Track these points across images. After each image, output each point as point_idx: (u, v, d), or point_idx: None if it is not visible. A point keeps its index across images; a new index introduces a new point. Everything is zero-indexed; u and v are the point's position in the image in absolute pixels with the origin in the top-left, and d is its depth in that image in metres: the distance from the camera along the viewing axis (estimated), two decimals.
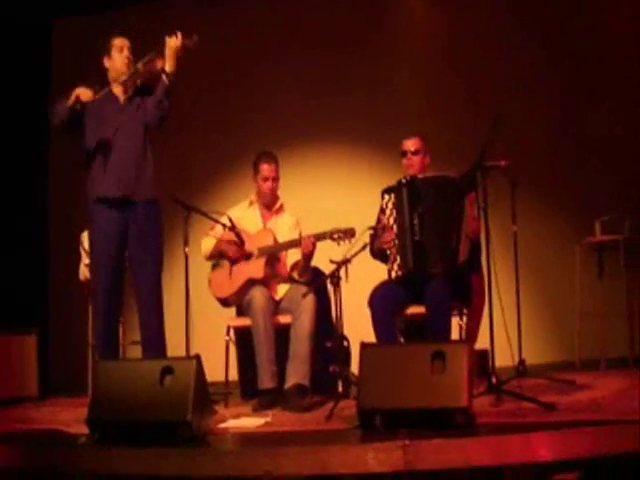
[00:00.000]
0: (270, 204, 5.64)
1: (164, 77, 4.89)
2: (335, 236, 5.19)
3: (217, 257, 5.56)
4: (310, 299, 5.14)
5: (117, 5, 8.02)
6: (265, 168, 5.56)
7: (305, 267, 5.46)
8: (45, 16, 8.31)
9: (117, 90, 5.01)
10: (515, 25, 7.49)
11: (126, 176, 4.88)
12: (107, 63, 5.02)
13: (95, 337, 4.97)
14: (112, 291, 4.90)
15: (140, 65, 4.95)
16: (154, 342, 4.87)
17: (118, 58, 4.99)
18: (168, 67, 4.88)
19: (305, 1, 8.06)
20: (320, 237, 5.27)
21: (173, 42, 4.84)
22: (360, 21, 7.85)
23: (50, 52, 8.54)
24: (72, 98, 4.83)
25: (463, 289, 4.97)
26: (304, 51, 7.93)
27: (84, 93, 4.84)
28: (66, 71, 8.17)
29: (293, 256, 5.49)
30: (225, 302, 5.52)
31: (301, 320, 5.15)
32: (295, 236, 5.48)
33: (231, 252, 5.46)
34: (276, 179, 5.59)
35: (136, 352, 5.39)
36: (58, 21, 8.53)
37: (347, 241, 5.15)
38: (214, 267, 5.58)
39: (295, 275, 5.52)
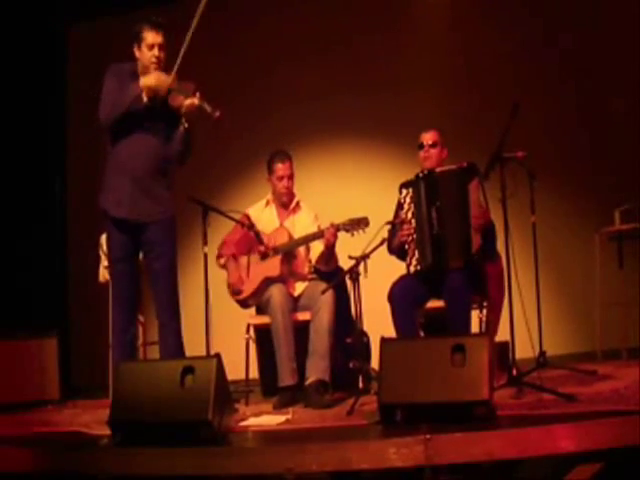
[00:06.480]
0: (287, 203, 5.62)
1: (182, 124, 4.65)
2: (348, 227, 5.19)
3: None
4: (328, 294, 5.12)
5: (132, 8, 8.04)
6: (279, 167, 5.53)
7: (329, 256, 5.42)
8: (60, 20, 8.37)
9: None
10: (530, 17, 7.46)
11: (134, 195, 4.65)
12: (137, 54, 4.73)
13: (112, 338, 4.94)
14: (129, 292, 4.84)
15: (171, 91, 4.62)
16: (171, 342, 4.83)
17: (147, 54, 4.67)
18: (184, 118, 4.62)
19: (320, 1, 8.06)
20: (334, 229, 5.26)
21: (189, 102, 4.57)
22: (377, 19, 7.84)
23: (65, 54, 8.60)
24: (147, 91, 4.58)
25: (480, 279, 4.94)
26: (319, 50, 7.94)
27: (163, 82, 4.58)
28: (81, 71, 8.26)
29: (317, 249, 5.46)
30: (244, 303, 5.52)
31: (320, 315, 5.14)
32: (315, 230, 5.47)
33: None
34: (291, 177, 5.56)
35: (155, 353, 5.40)
36: (73, 26, 8.59)
37: (361, 231, 5.15)
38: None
39: (322, 266, 5.50)
